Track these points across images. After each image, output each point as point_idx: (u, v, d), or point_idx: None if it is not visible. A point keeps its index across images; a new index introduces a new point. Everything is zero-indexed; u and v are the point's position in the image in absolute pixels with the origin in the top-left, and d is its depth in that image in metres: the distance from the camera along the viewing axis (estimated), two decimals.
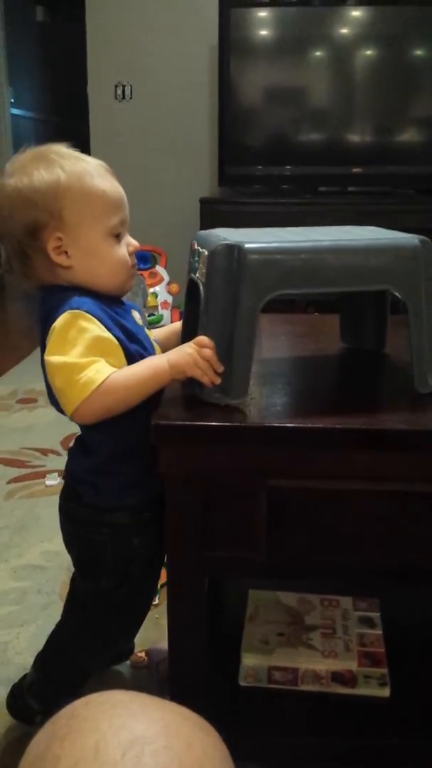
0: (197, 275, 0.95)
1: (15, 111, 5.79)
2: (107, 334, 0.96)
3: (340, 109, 3.64)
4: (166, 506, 0.93)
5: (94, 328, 0.95)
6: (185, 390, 0.98)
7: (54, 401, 1.02)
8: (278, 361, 1.16)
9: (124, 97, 4.05)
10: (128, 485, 1.05)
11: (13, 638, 1.46)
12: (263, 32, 3.62)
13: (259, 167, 3.65)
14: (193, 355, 0.91)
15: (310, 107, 3.67)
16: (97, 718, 0.45)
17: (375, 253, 0.93)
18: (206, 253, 0.91)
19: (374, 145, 3.64)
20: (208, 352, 0.90)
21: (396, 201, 3.44)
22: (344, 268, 0.92)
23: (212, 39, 3.62)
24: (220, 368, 0.90)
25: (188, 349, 0.92)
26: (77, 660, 1.19)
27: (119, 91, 4.05)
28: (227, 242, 0.89)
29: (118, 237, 1.01)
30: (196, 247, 0.97)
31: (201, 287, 0.93)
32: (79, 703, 0.48)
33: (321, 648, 1.19)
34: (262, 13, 3.56)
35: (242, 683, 1.14)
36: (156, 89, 4.01)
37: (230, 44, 3.49)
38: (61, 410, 1.04)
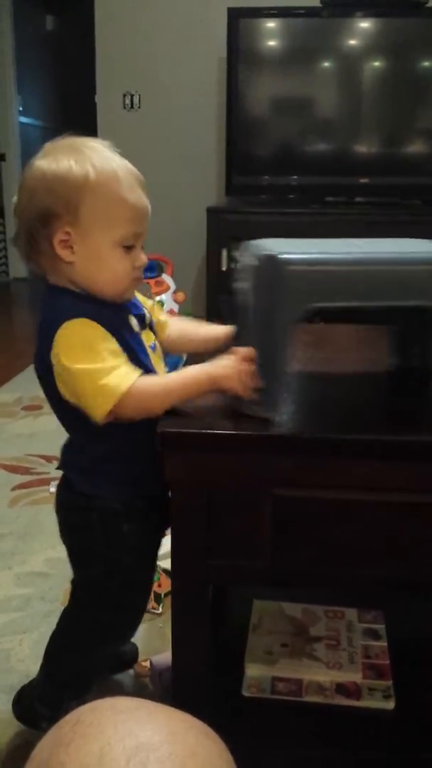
0: (239, 285, 0.95)
1: (23, 119, 5.82)
2: (112, 338, 0.96)
3: (348, 119, 3.66)
4: (171, 513, 0.93)
5: (100, 332, 0.95)
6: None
7: (58, 407, 1.02)
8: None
9: (132, 107, 4.08)
10: (117, 482, 1.05)
11: (16, 645, 1.46)
12: (271, 43, 3.64)
13: (266, 177, 3.67)
14: (233, 368, 0.90)
15: (317, 118, 3.69)
16: (102, 725, 0.45)
17: (415, 267, 0.90)
18: (247, 263, 0.91)
19: (381, 156, 3.65)
20: (249, 367, 0.90)
21: (403, 212, 3.44)
22: (386, 281, 0.90)
23: (220, 49, 3.64)
24: (258, 384, 0.90)
25: (229, 362, 0.91)
26: (74, 658, 1.19)
27: (127, 101, 4.07)
28: (266, 253, 0.88)
29: (129, 248, 0.99)
30: (240, 257, 0.97)
31: (242, 297, 0.93)
32: (84, 709, 0.47)
33: (325, 659, 1.18)
34: (271, 24, 3.58)
35: (246, 694, 1.14)
36: (164, 99, 4.03)
37: (238, 55, 3.51)
38: (61, 418, 1.05)
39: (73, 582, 1.17)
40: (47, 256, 0.99)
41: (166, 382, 0.96)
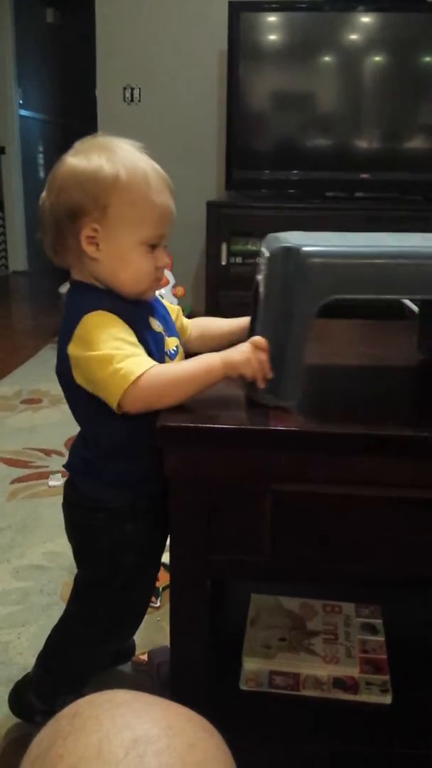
0: (260, 277, 0.95)
1: (23, 112, 5.81)
2: (131, 331, 0.96)
3: (349, 114, 3.65)
4: (170, 508, 0.93)
5: (119, 323, 0.96)
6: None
7: (74, 405, 1.04)
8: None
9: (132, 100, 4.07)
10: (119, 485, 1.05)
11: (14, 638, 1.46)
12: (272, 37, 3.63)
13: (267, 171, 3.66)
14: (248, 355, 0.91)
15: (318, 112, 3.68)
16: (100, 717, 0.45)
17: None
18: (267, 254, 0.92)
19: (382, 151, 3.64)
20: (263, 355, 0.90)
21: (404, 207, 3.43)
22: (405, 274, 0.90)
23: (221, 43, 3.62)
24: (270, 374, 0.90)
25: (244, 348, 0.92)
26: (75, 655, 1.20)
27: (127, 94, 4.06)
28: (286, 245, 0.89)
29: (152, 248, 1.00)
30: (262, 249, 0.97)
31: (261, 289, 0.93)
32: (82, 702, 0.47)
33: (323, 654, 1.18)
34: (272, 18, 3.57)
35: (243, 687, 1.14)
36: (164, 92, 4.02)
37: (239, 48, 3.49)
38: (77, 417, 1.06)
39: (77, 579, 1.17)
40: (73, 251, 1.00)
41: (182, 369, 0.95)
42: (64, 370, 1.00)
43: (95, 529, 1.08)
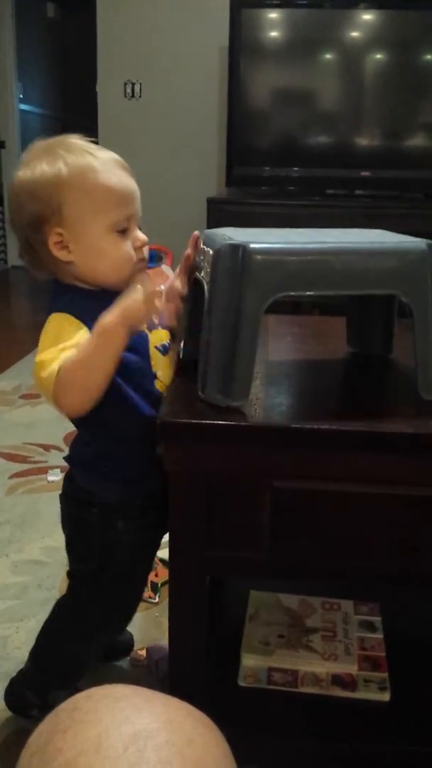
0: (202, 274, 0.95)
1: (23, 107, 5.80)
2: (86, 331, 0.95)
3: (350, 111, 3.64)
4: (170, 504, 0.93)
5: (74, 324, 0.95)
6: (189, 389, 0.98)
7: None
8: (284, 363, 1.16)
9: (133, 96, 4.06)
10: (115, 480, 1.05)
11: (12, 633, 1.46)
12: (273, 33, 3.62)
13: (267, 168, 3.65)
14: (140, 294, 0.90)
15: (319, 109, 3.67)
16: (99, 711, 0.45)
17: (380, 257, 0.92)
18: (211, 252, 0.90)
19: (383, 149, 3.64)
20: (157, 289, 0.91)
21: (404, 205, 3.43)
22: (349, 271, 0.91)
23: (222, 39, 3.62)
24: (162, 305, 0.92)
25: (136, 290, 0.91)
26: (64, 649, 1.20)
27: (128, 89, 4.05)
28: (232, 242, 0.88)
29: (124, 232, 0.99)
30: (201, 246, 0.96)
31: (205, 286, 0.92)
32: (81, 696, 0.47)
33: (321, 651, 1.18)
34: (273, 15, 3.56)
35: (242, 684, 1.14)
36: (165, 88, 4.01)
37: (240, 45, 3.48)
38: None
39: (69, 573, 1.18)
40: (48, 260, 1.00)
41: (82, 347, 0.91)
42: None
43: (88, 523, 1.08)
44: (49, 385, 0.90)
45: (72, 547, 1.15)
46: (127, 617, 1.24)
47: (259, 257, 0.87)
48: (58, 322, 0.96)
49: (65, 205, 0.96)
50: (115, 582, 1.11)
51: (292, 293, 0.88)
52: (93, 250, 0.98)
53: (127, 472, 1.05)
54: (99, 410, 0.94)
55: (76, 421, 1.05)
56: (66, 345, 0.92)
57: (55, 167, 0.96)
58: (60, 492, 1.14)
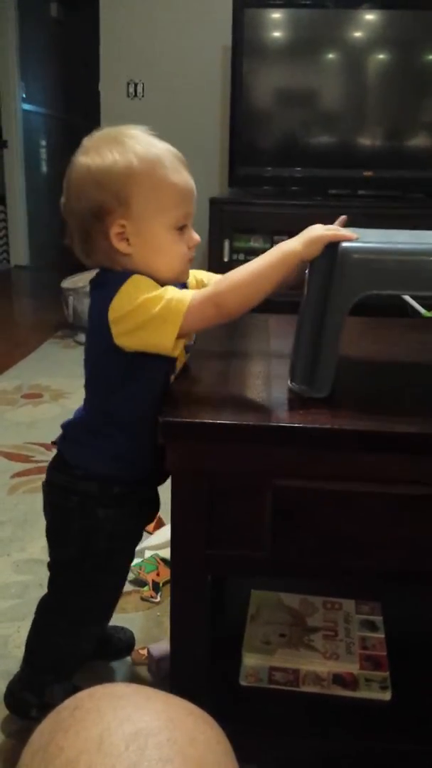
0: (307, 272, 0.97)
1: (26, 106, 5.80)
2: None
3: (352, 112, 3.64)
4: (171, 502, 0.93)
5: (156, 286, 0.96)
6: (192, 387, 0.98)
7: (96, 361, 1.03)
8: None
9: (135, 95, 4.06)
10: (104, 458, 1.05)
11: (13, 632, 1.47)
12: (276, 33, 3.62)
13: (270, 168, 3.65)
14: (318, 227, 0.92)
15: (321, 109, 3.67)
16: (101, 710, 0.45)
17: None
18: None
19: (385, 149, 3.64)
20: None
21: (406, 205, 3.43)
22: None
23: (225, 39, 3.62)
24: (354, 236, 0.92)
25: (313, 228, 0.93)
26: (54, 642, 1.20)
27: (131, 89, 4.06)
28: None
29: (181, 230, 1.00)
30: None
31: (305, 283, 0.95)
32: (83, 695, 0.47)
33: (322, 650, 1.18)
34: (276, 14, 3.56)
35: (243, 683, 1.14)
36: (168, 88, 4.01)
37: (243, 45, 3.49)
38: (92, 374, 1.05)
39: (49, 564, 1.18)
40: (104, 250, 1.00)
41: (251, 265, 0.93)
42: (98, 339, 0.99)
43: (69, 511, 1.09)
44: (179, 303, 0.92)
45: (52, 534, 1.15)
46: (111, 606, 1.24)
47: (347, 255, 0.89)
48: (144, 280, 0.96)
49: (133, 199, 0.96)
50: (95, 571, 1.12)
51: (380, 292, 0.91)
52: (152, 245, 0.98)
53: (119, 448, 1.05)
54: (123, 382, 0.98)
55: (99, 391, 1.05)
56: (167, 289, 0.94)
57: (127, 158, 0.95)
58: (44, 480, 1.14)
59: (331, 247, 0.90)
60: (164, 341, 0.93)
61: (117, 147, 0.97)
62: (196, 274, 1.15)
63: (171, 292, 0.94)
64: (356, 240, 0.91)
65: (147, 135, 1.00)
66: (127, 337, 0.95)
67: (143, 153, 0.96)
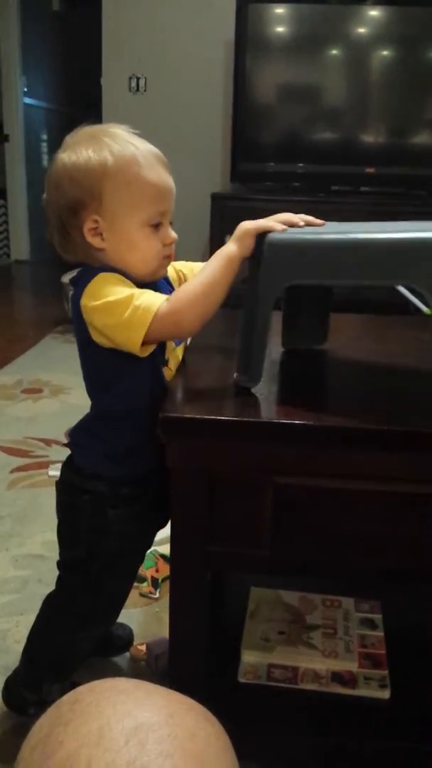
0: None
1: (28, 100, 5.79)
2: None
3: (355, 108, 3.64)
4: (171, 499, 0.92)
5: (128, 282, 0.97)
6: (191, 383, 0.98)
7: (89, 360, 1.04)
8: (288, 357, 1.16)
9: (138, 90, 4.05)
10: (114, 456, 1.06)
11: (12, 626, 1.46)
12: (280, 29, 3.62)
13: (272, 164, 3.65)
14: (246, 224, 0.94)
15: (324, 106, 3.66)
16: (101, 704, 0.45)
17: (395, 249, 0.90)
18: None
19: (388, 146, 3.63)
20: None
21: (408, 202, 3.43)
22: (361, 262, 0.90)
23: (228, 34, 3.61)
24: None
25: (242, 225, 0.95)
26: (56, 641, 1.20)
27: (133, 84, 4.05)
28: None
29: (157, 227, 1.01)
30: None
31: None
32: (83, 689, 0.47)
33: (321, 648, 1.18)
34: (279, 10, 3.56)
35: (242, 680, 1.14)
36: (170, 82, 4.00)
37: (246, 40, 3.48)
38: (89, 372, 1.06)
39: (59, 563, 1.18)
40: (80, 245, 1.02)
41: (201, 277, 0.95)
42: (81, 337, 1.01)
43: (80, 510, 1.09)
44: (145, 312, 0.92)
45: (62, 533, 1.15)
46: (117, 609, 1.24)
47: (271, 246, 0.90)
48: (112, 276, 0.97)
49: (105, 194, 0.98)
50: (103, 572, 1.11)
51: (303, 282, 0.93)
52: (125, 241, 1.00)
53: (125, 445, 1.05)
54: (113, 378, 1.00)
55: (97, 385, 1.06)
56: (134, 290, 0.95)
57: (102, 155, 0.98)
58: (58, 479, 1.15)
59: (261, 238, 0.91)
60: (130, 347, 0.95)
61: (94, 144, 0.99)
62: (176, 266, 1.16)
63: (141, 297, 0.93)
64: (284, 231, 0.92)
65: (127, 134, 1.02)
66: (96, 333, 0.98)
67: (118, 151, 0.98)
